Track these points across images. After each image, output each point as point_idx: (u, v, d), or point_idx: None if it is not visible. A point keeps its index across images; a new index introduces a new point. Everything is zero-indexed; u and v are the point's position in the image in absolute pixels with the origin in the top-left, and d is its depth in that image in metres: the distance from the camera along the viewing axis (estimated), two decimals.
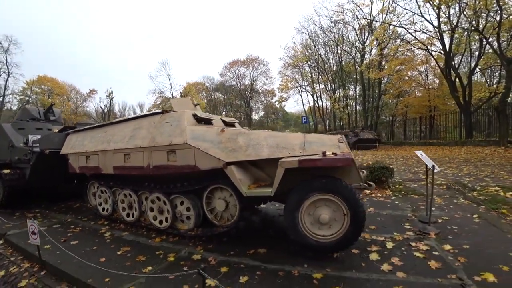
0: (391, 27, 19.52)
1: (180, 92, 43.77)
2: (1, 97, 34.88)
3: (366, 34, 26.23)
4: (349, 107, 33.38)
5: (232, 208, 3.21)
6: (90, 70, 79.68)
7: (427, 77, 25.42)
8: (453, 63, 17.77)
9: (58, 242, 3.53)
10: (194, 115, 3.57)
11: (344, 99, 32.93)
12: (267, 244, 3.11)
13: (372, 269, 2.46)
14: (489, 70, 22.68)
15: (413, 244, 2.93)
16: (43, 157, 5.19)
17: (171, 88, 43.90)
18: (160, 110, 3.81)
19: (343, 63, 31.71)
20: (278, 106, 46.92)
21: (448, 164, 9.48)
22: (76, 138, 5.01)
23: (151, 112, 3.98)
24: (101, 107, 45.52)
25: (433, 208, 4.19)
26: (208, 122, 3.74)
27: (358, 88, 31.54)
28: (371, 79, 24.28)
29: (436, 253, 2.69)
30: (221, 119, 4.26)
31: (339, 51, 31.32)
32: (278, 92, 41.80)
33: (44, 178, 5.66)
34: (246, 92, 46.91)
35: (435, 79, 25.70)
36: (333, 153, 2.59)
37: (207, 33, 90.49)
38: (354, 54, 29.41)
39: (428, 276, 2.28)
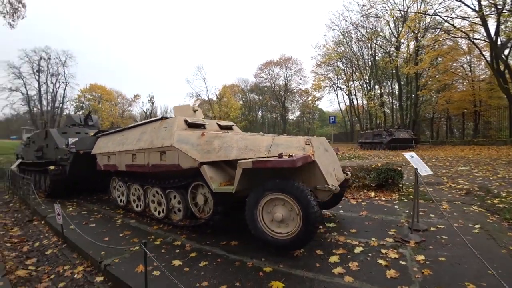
0: (427, 16, 17.98)
1: (216, 94, 45.68)
2: (61, 104, 40.24)
3: (401, 26, 24.55)
4: (386, 105, 31.53)
5: (210, 202, 3.59)
6: (135, 76, 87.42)
7: (471, 68, 22.84)
8: (504, 52, 15.81)
9: (80, 224, 4.43)
10: (186, 121, 4.03)
11: (380, 96, 31.20)
12: (242, 238, 3.37)
13: (324, 270, 2.47)
14: None
15: (384, 251, 2.80)
16: (78, 156, 6.16)
17: (207, 91, 46.17)
18: (160, 117, 4.36)
19: (377, 58, 30.09)
20: (312, 105, 46.13)
21: (485, 166, 8.66)
22: (103, 141, 5.86)
23: (154, 118, 4.56)
24: (143, 111, 49.43)
25: (432, 215, 4.01)
26: (199, 126, 4.18)
27: (395, 84, 29.67)
28: (407, 74, 22.67)
29: (403, 263, 2.54)
30: (217, 123, 4.67)
31: (373, 47, 29.81)
32: (312, 91, 41.17)
33: (80, 174, 6.67)
34: (281, 92, 46.99)
35: (480, 70, 22.97)
36: (289, 155, 2.71)
37: (240, 36, 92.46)
38: (389, 49, 27.71)
39: (377, 284, 2.20)
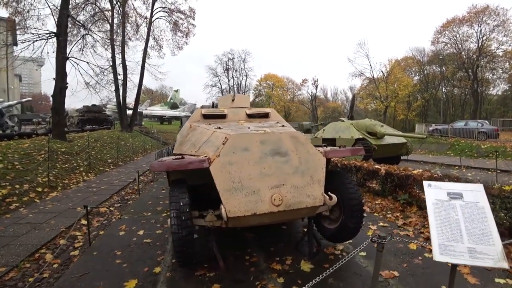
0: None
1: (382, 71, 41.68)
2: (244, 93, 51.13)
3: None
4: None
5: None
6: (303, 62, 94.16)
7: None
8: None
9: (159, 190, 6.38)
10: (201, 113, 4.69)
11: None
12: None
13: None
14: None
15: None
16: None
17: (371, 68, 42.31)
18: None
19: None
20: None
21: None
22: None
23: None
24: (309, 94, 53.15)
25: None
26: (217, 117, 4.65)
27: None
28: None
29: None
30: (246, 111, 4.89)
31: None
32: None
33: None
34: (472, 59, 34.52)
35: None
36: (182, 157, 2.52)
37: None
38: None
39: None
